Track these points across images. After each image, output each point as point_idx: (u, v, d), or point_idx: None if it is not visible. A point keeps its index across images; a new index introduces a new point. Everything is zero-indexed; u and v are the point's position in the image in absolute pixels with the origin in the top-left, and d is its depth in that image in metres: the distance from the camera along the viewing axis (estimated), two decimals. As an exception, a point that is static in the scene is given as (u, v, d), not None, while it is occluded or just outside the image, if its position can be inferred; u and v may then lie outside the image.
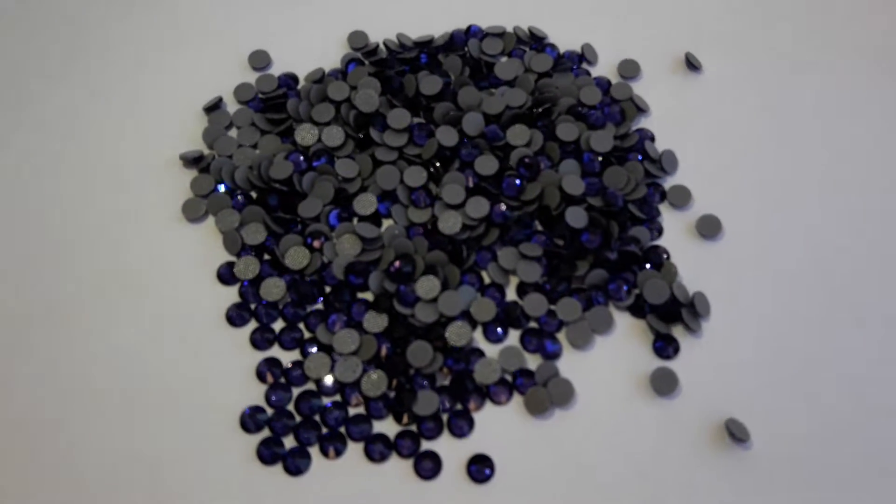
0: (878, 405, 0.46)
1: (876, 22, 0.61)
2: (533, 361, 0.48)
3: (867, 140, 0.55)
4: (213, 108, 0.57)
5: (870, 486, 0.44)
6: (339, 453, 0.45)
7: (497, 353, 0.48)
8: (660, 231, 0.52)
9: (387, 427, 0.46)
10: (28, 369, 0.48)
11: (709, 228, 0.52)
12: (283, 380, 0.47)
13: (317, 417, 0.46)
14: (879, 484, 0.44)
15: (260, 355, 0.48)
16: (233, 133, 0.56)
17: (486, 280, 0.50)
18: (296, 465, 0.45)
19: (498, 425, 0.46)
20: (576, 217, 0.50)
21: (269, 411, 0.47)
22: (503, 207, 0.51)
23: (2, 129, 0.57)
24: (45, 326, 0.49)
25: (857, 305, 0.49)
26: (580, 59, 0.59)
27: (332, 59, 0.59)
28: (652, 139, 0.55)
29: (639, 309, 0.49)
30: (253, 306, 0.50)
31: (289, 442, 0.46)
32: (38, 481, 0.45)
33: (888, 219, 0.52)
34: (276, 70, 0.59)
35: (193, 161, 0.54)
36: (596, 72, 0.59)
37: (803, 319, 0.49)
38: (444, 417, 0.46)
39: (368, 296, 0.49)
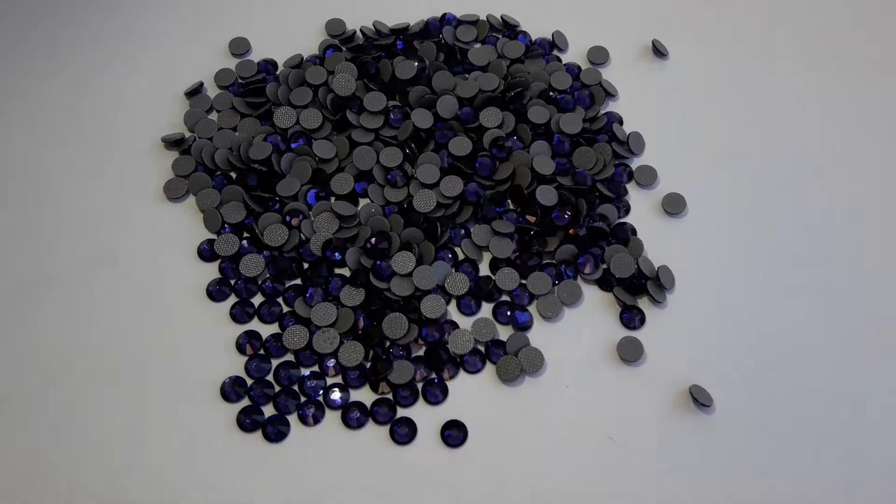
0: (832, 371, 0.48)
1: (837, 10, 0.63)
2: (505, 332, 0.50)
3: (825, 122, 0.58)
4: (194, 92, 0.58)
5: (824, 447, 0.46)
6: (317, 421, 0.47)
7: (470, 324, 0.50)
8: (627, 209, 0.54)
9: (363, 395, 0.48)
10: (16, 342, 0.49)
11: (674, 206, 0.54)
12: (262, 351, 0.49)
13: (295, 387, 0.48)
14: (833, 445, 0.46)
15: (240, 328, 0.50)
16: (213, 116, 0.58)
17: (461, 256, 0.52)
18: (275, 432, 0.46)
19: (471, 393, 0.48)
20: (546, 195, 0.52)
21: (249, 381, 0.48)
22: (476, 186, 0.53)
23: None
24: (35, 300, 0.50)
25: (813, 277, 0.51)
26: (551, 46, 0.61)
27: (310, 45, 0.61)
28: (620, 122, 0.57)
29: (606, 282, 0.51)
30: (233, 282, 0.51)
31: (268, 410, 0.47)
32: (22, 451, 0.46)
33: (844, 194, 0.54)
34: (256, 56, 0.61)
35: (175, 143, 0.56)
36: (566, 58, 0.61)
37: (761, 291, 0.51)
38: (420, 386, 0.48)
39: (345, 271, 0.51)
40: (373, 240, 0.50)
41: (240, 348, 0.49)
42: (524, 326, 0.50)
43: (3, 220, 0.53)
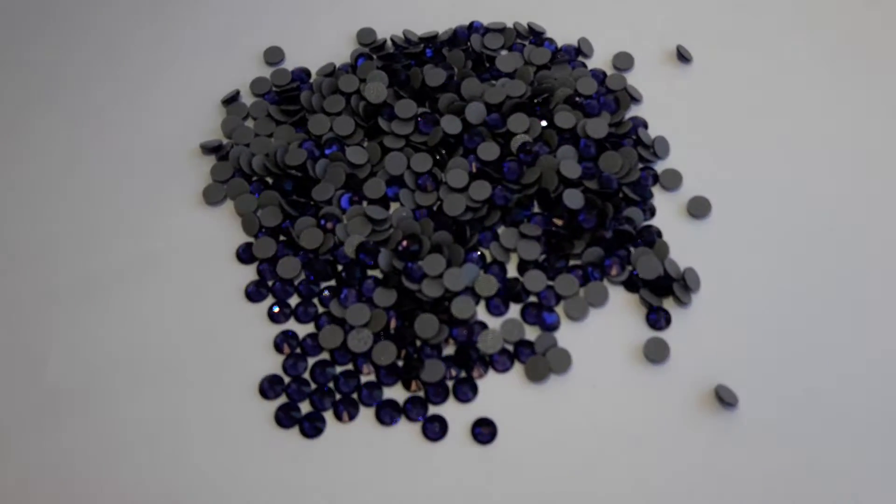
0: (858, 371, 0.49)
1: (863, 11, 0.64)
2: (532, 333, 0.51)
3: (852, 124, 0.58)
4: (231, 100, 0.60)
5: (849, 446, 0.47)
6: (352, 417, 0.48)
7: (499, 324, 0.51)
8: (652, 211, 0.55)
9: (396, 393, 0.49)
10: (64, 341, 0.51)
11: (699, 209, 0.55)
12: (298, 350, 0.51)
13: (331, 385, 0.49)
14: (858, 445, 0.47)
15: (277, 328, 0.51)
16: (249, 123, 0.59)
17: (489, 258, 0.53)
18: (311, 428, 0.48)
19: (500, 391, 0.49)
20: (573, 199, 0.53)
21: (286, 379, 0.50)
22: (504, 190, 0.54)
23: (40, 123, 0.60)
24: (82, 300, 0.53)
25: (838, 279, 0.52)
26: (577, 53, 0.62)
27: (342, 54, 0.62)
28: (645, 126, 0.58)
29: (632, 284, 0.52)
30: (270, 283, 0.53)
31: (305, 407, 0.49)
32: (69, 444, 0.48)
33: (871, 196, 0.55)
34: (290, 65, 0.62)
35: (213, 149, 0.58)
36: (592, 64, 0.62)
37: (786, 292, 0.52)
38: (450, 384, 0.49)
39: (378, 273, 0.53)
40: (404, 242, 0.52)
41: (277, 347, 0.51)
42: (552, 327, 0.51)
43: (57, 223, 0.56)
